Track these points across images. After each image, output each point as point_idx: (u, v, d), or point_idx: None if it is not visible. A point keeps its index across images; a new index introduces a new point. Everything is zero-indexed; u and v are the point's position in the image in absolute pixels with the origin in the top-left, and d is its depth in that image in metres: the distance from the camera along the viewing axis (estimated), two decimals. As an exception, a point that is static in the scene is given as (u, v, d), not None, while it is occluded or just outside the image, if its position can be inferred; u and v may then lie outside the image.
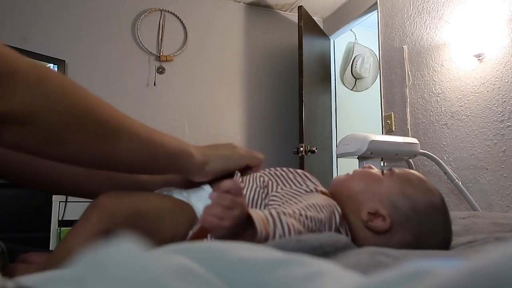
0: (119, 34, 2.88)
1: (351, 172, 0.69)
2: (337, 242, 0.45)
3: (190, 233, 0.58)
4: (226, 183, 0.45)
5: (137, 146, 0.55)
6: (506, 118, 1.93)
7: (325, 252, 0.42)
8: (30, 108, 0.43)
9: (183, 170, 0.61)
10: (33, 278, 0.24)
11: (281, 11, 3.44)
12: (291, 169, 0.67)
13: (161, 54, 2.94)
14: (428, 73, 2.38)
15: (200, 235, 0.48)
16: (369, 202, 0.60)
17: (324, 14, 3.49)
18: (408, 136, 2.41)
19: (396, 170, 0.65)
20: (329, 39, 3.43)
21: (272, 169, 0.67)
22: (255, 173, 0.66)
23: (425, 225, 0.59)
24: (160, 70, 2.94)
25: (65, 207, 2.07)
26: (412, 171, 0.67)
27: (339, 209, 0.59)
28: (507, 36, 1.94)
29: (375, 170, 0.67)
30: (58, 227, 2.06)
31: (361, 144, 1.75)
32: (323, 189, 0.63)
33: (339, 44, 3.55)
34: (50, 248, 1.94)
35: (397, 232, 0.58)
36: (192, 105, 3.02)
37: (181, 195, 0.63)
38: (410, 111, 2.48)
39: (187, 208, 0.61)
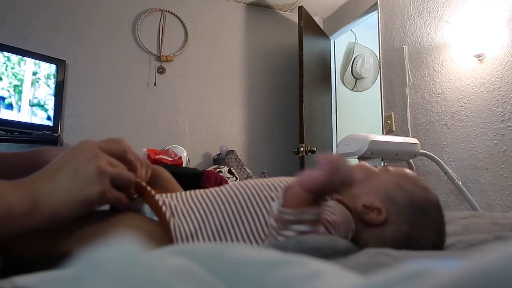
0: (119, 34, 2.88)
1: None
2: (338, 245, 0.44)
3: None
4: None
5: None
6: (506, 118, 1.93)
7: (325, 254, 0.42)
8: None
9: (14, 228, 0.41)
10: (31, 278, 0.24)
11: (282, 11, 3.44)
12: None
13: (161, 54, 2.94)
14: (428, 73, 2.37)
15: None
16: (365, 195, 0.60)
17: (325, 14, 3.49)
18: (408, 136, 2.41)
19: (391, 167, 0.65)
20: (330, 39, 3.43)
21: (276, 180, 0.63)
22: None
23: (420, 220, 0.58)
24: (161, 70, 2.94)
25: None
26: (408, 170, 0.66)
27: (354, 225, 0.58)
28: (507, 36, 1.94)
29: (370, 166, 0.67)
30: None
31: (362, 144, 1.75)
32: (338, 196, 0.60)
33: (339, 44, 3.55)
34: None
35: (390, 226, 0.58)
36: (192, 105, 3.02)
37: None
38: (410, 111, 2.48)
39: (161, 229, 0.54)
